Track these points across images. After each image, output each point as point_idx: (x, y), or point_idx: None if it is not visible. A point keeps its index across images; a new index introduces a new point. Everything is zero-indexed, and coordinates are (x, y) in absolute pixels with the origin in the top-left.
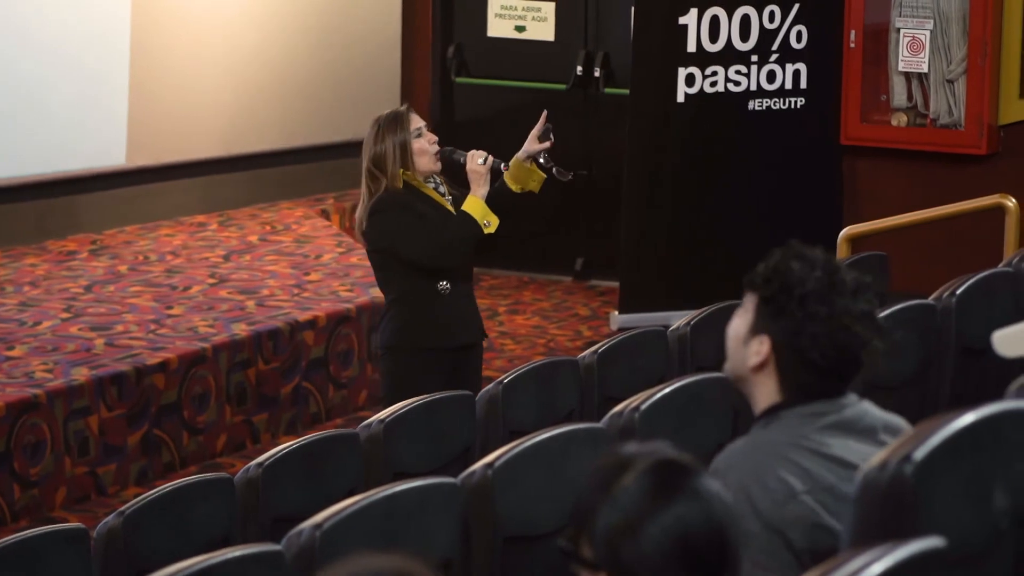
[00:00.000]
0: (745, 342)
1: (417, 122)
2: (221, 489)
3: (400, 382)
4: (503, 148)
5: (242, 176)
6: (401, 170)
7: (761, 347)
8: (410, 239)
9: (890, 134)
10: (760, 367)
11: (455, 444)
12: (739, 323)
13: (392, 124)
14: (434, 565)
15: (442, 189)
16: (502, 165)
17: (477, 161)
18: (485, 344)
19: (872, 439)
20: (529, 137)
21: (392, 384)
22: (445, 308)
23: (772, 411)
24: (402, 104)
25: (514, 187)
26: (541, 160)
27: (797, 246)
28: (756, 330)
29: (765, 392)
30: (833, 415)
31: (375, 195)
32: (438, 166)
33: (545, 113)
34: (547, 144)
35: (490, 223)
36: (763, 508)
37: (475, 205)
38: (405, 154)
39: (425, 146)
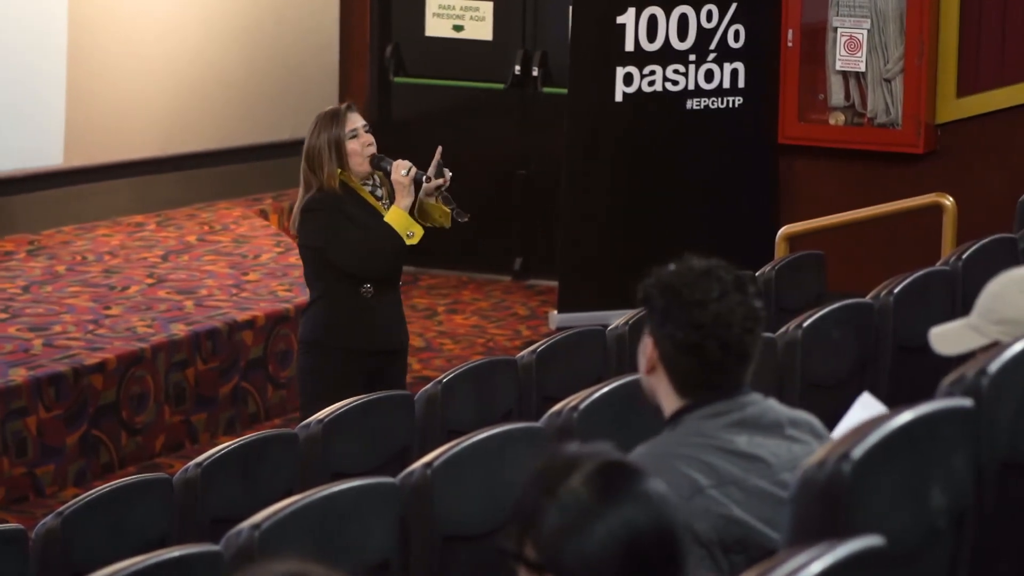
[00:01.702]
0: (642, 351)
1: (355, 122)
2: (159, 489)
3: (317, 379)
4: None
5: (180, 176)
6: (339, 170)
7: (647, 350)
8: (336, 243)
9: (827, 133)
10: (651, 370)
11: (393, 444)
12: (642, 339)
13: (328, 121)
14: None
15: (379, 192)
16: (424, 177)
17: (400, 172)
18: (415, 359)
19: (779, 434)
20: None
21: (309, 380)
22: (367, 311)
23: (676, 416)
24: (342, 103)
25: (423, 223)
26: (442, 198)
27: (688, 256)
28: (645, 336)
29: (666, 397)
30: (736, 413)
31: (310, 192)
32: (368, 169)
33: (440, 149)
34: (440, 181)
35: (414, 234)
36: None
37: (397, 216)
38: (340, 153)
39: (357, 148)
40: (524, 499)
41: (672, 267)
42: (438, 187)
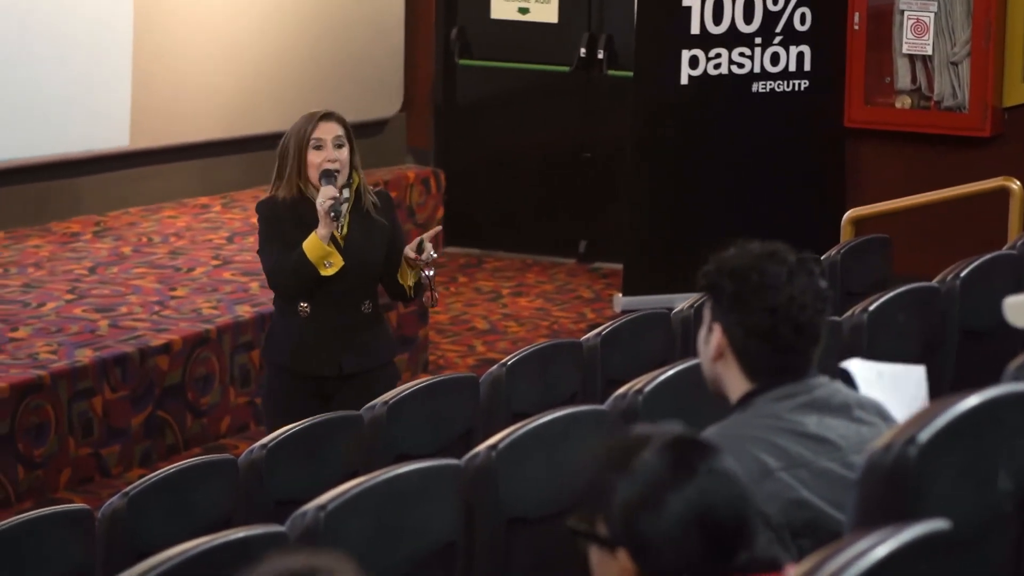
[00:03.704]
0: (705, 341)
1: (324, 132)
2: (224, 471)
3: (270, 396)
4: (506, 131)
5: (244, 158)
6: (298, 177)
7: (714, 337)
8: (263, 254)
9: (894, 117)
10: (718, 356)
11: (457, 426)
12: (701, 331)
13: (302, 123)
14: (428, 549)
15: (343, 208)
16: (341, 220)
17: (319, 200)
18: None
19: (847, 415)
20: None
21: (265, 396)
22: (300, 331)
23: (744, 400)
24: (325, 111)
25: (401, 281)
26: (421, 276)
27: (746, 241)
28: (710, 324)
29: (734, 384)
30: (805, 395)
31: (271, 190)
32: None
33: (437, 229)
34: (414, 256)
35: (332, 264)
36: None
37: (312, 246)
38: (300, 160)
39: (316, 160)
40: (593, 477)
41: (733, 252)
42: (415, 264)
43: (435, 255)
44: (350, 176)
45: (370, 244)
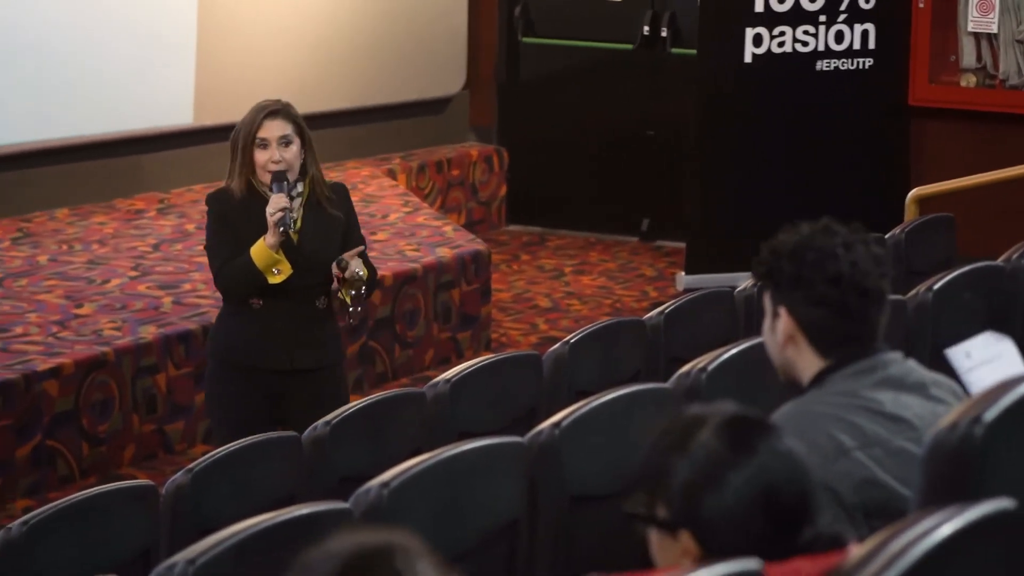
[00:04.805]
0: (771, 330)
1: (270, 131)
2: (288, 447)
3: (212, 395)
4: (569, 109)
5: None
6: (247, 172)
7: (781, 322)
8: (211, 253)
9: (959, 95)
10: (788, 341)
11: (520, 404)
12: (765, 321)
13: (250, 116)
14: (492, 526)
15: (295, 203)
16: (289, 230)
17: (268, 209)
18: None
19: (923, 393)
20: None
21: (208, 395)
22: (249, 325)
23: (818, 378)
24: (276, 102)
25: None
26: (348, 292)
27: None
28: (774, 310)
29: (806, 365)
30: (880, 372)
31: (226, 181)
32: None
33: (360, 249)
34: (337, 273)
35: (280, 271)
36: (812, 465)
37: (259, 252)
38: (245, 156)
39: (262, 160)
40: (650, 459)
41: (783, 236)
42: (338, 279)
43: (360, 274)
44: (304, 170)
45: (323, 238)
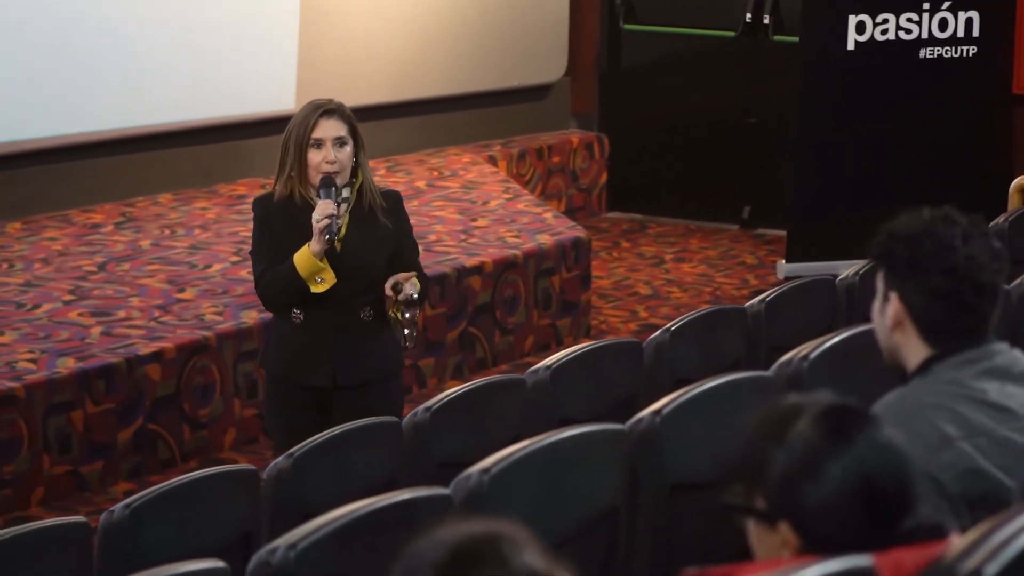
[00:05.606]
0: (881, 312)
1: (325, 131)
2: (388, 433)
3: (270, 407)
4: (671, 96)
5: (410, 121)
6: (297, 176)
7: (892, 305)
8: (255, 259)
9: None
10: (896, 326)
11: (620, 391)
12: (876, 303)
13: (303, 117)
14: (592, 513)
15: (337, 227)
16: (335, 239)
17: (315, 216)
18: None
19: None
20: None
21: (266, 407)
22: (293, 338)
23: (924, 365)
24: (330, 102)
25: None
26: (400, 315)
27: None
28: (885, 294)
29: (913, 352)
30: (985, 362)
31: (273, 185)
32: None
33: (412, 274)
34: (390, 295)
35: (323, 280)
36: (916, 455)
37: (303, 260)
38: (301, 159)
39: (316, 160)
40: (748, 451)
41: (903, 219)
42: (394, 303)
43: (414, 295)
44: (353, 175)
45: (369, 247)
